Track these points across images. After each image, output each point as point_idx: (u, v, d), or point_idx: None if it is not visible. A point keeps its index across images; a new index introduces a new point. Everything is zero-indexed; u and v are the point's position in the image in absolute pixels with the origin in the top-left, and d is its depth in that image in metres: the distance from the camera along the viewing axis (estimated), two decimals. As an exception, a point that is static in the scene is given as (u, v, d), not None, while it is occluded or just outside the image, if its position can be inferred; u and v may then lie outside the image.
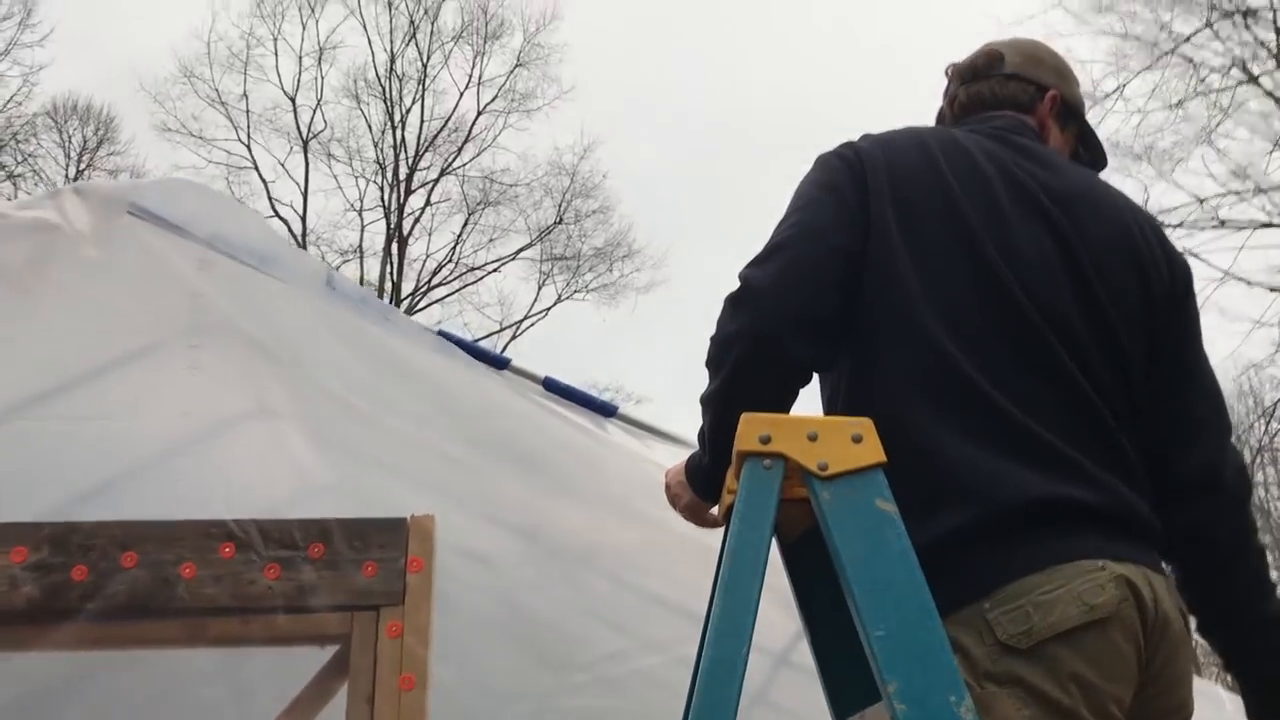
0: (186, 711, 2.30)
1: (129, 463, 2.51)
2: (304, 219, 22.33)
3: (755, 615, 1.28)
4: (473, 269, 23.04)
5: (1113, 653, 1.35)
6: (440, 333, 2.58)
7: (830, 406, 1.64)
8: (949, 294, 1.52)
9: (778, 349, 1.52)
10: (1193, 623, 1.59)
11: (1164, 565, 1.52)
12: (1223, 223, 14.80)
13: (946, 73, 1.91)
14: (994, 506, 1.40)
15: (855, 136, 1.69)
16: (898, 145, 1.65)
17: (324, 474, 2.53)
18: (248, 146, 22.31)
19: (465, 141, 23.14)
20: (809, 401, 1.66)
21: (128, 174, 21.04)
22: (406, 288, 22.22)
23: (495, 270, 23.07)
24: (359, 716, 2.04)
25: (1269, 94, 15.65)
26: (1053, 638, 1.32)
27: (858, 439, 1.36)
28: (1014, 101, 1.81)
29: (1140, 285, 1.62)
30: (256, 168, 22.31)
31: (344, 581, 2.12)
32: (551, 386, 2.62)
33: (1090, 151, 1.89)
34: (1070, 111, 1.85)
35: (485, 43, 23.30)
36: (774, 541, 1.67)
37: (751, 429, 1.36)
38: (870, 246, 1.55)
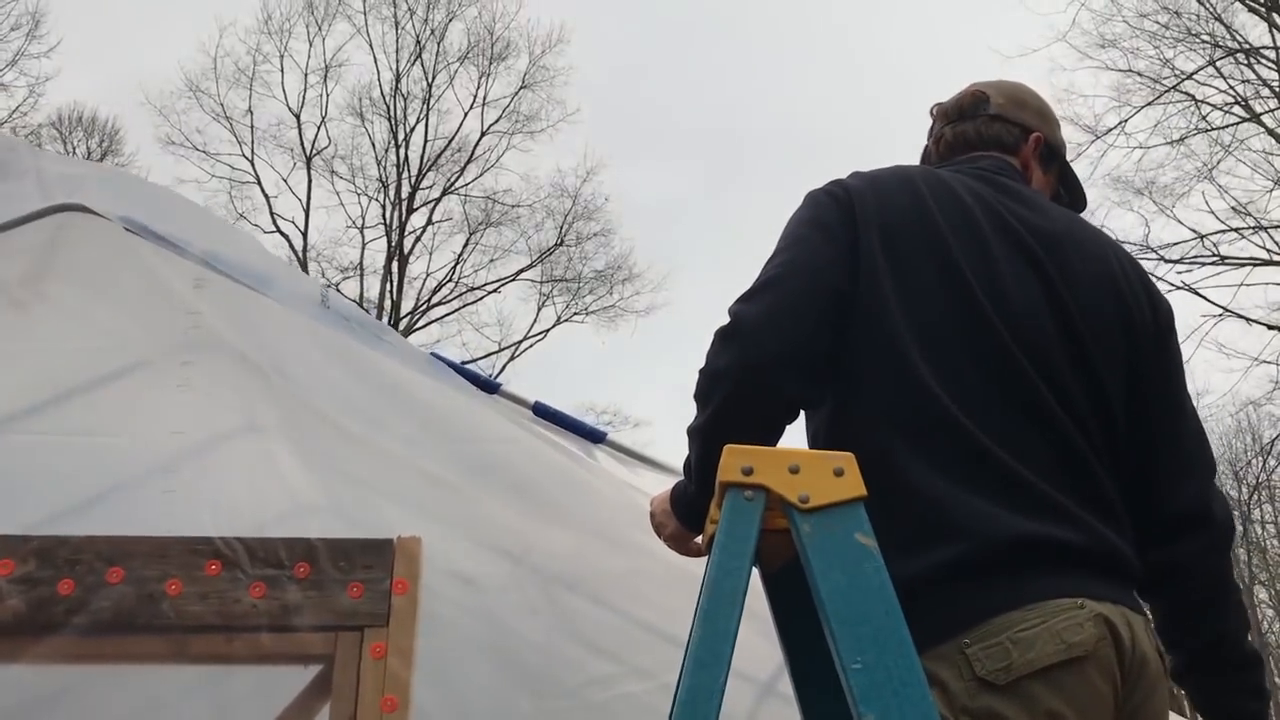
0: (168, 731, 2.29)
1: (118, 478, 2.51)
2: (305, 235, 22.41)
3: (734, 645, 1.29)
4: (473, 289, 23.09)
5: (1089, 691, 1.36)
6: (432, 354, 2.59)
7: (814, 442, 1.65)
8: (936, 333, 1.54)
9: (766, 385, 1.54)
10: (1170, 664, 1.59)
11: (1142, 605, 1.53)
12: (1223, 259, 14.88)
13: (931, 113, 1.94)
14: (975, 544, 1.41)
15: (844, 175, 1.71)
16: (886, 183, 1.67)
17: (312, 493, 2.53)
18: (251, 162, 22.44)
19: (468, 161, 23.25)
20: (794, 438, 1.67)
21: (131, 185, 21.01)
22: (406, 306, 22.26)
23: (495, 291, 23.13)
24: (341, 737, 2.04)
25: (1270, 132, 15.76)
26: (1030, 675, 1.33)
27: (839, 473, 1.37)
28: (998, 142, 1.83)
29: (1123, 325, 1.64)
30: (259, 183, 22.42)
31: (329, 601, 2.12)
32: (541, 412, 2.63)
33: (1070, 193, 1.92)
34: (1052, 153, 1.87)
35: (490, 64, 23.48)
36: (757, 571, 1.70)
37: (734, 460, 1.37)
38: (859, 285, 1.56)
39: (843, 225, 1.60)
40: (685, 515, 1.72)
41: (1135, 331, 1.65)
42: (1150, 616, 1.57)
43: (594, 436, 2.65)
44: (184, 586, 2.12)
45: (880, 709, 1.23)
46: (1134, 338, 1.64)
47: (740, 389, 1.54)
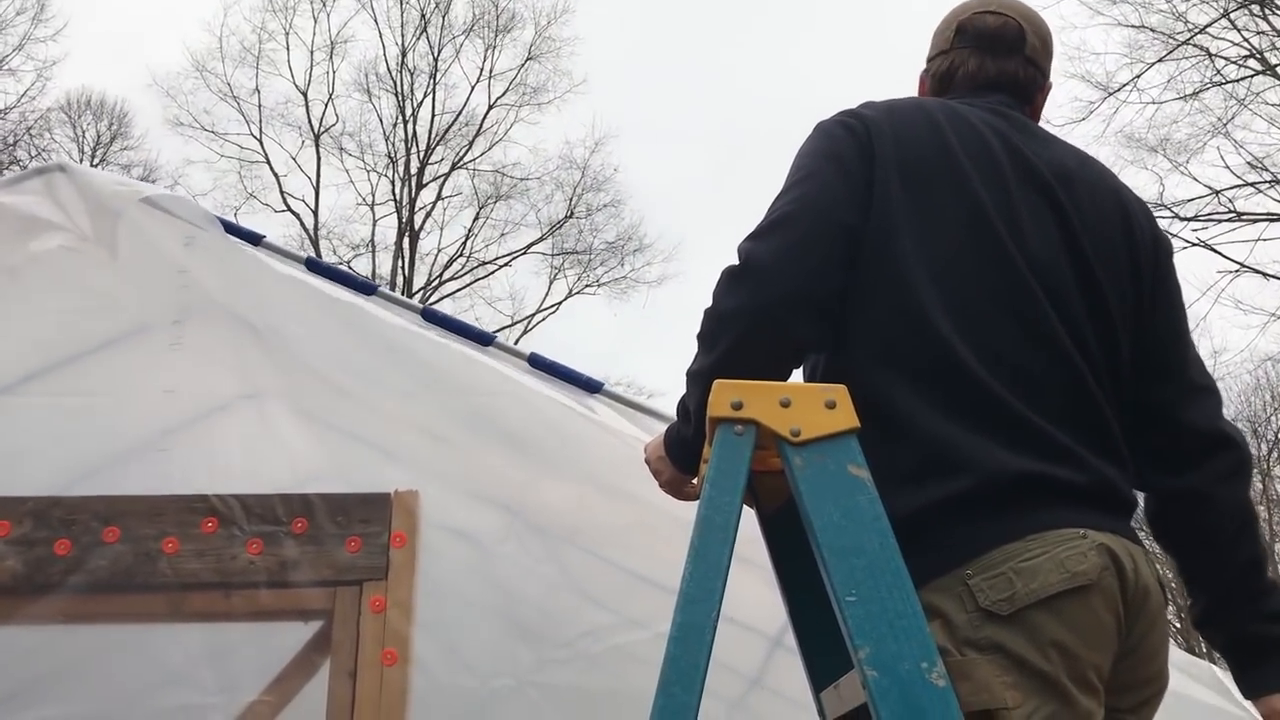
0: (169, 688, 2.29)
1: (115, 441, 2.51)
2: (316, 213, 22.37)
3: (725, 580, 1.27)
4: (484, 263, 23.04)
5: (1093, 621, 1.33)
6: (424, 310, 2.56)
7: (811, 380, 1.61)
8: (955, 269, 1.50)
9: (777, 328, 1.49)
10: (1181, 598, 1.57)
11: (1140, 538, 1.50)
12: (1239, 215, 14.72)
13: (960, 26, 1.80)
14: (977, 478, 1.38)
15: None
16: (903, 114, 1.61)
17: (308, 450, 2.52)
18: (259, 141, 22.38)
19: (476, 135, 23.13)
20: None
21: (141, 168, 21.10)
22: (418, 282, 22.24)
23: (506, 265, 23.07)
24: (341, 691, 2.04)
25: (1285, 84, 15.56)
26: (1034, 604, 1.31)
27: (831, 405, 1.34)
28: (1022, 89, 1.76)
29: (1130, 259, 1.62)
30: (269, 162, 22.35)
31: (327, 557, 2.12)
32: (536, 363, 2.60)
33: None
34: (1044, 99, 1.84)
35: (496, 36, 23.29)
36: (757, 516, 1.68)
37: (724, 395, 1.35)
38: (872, 219, 1.51)
39: (858, 159, 1.54)
40: (681, 459, 1.68)
41: (1141, 265, 1.62)
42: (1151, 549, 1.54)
43: (590, 386, 2.62)
44: (181, 544, 2.11)
45: (876, 641, 1.21)
46: (1139, 270, 1.62)
47: (751, 331, 1.48)
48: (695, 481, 1.71)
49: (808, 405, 1.33)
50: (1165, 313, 1.65)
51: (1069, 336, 1.49)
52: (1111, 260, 1.58)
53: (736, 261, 1.52)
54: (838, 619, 1.25)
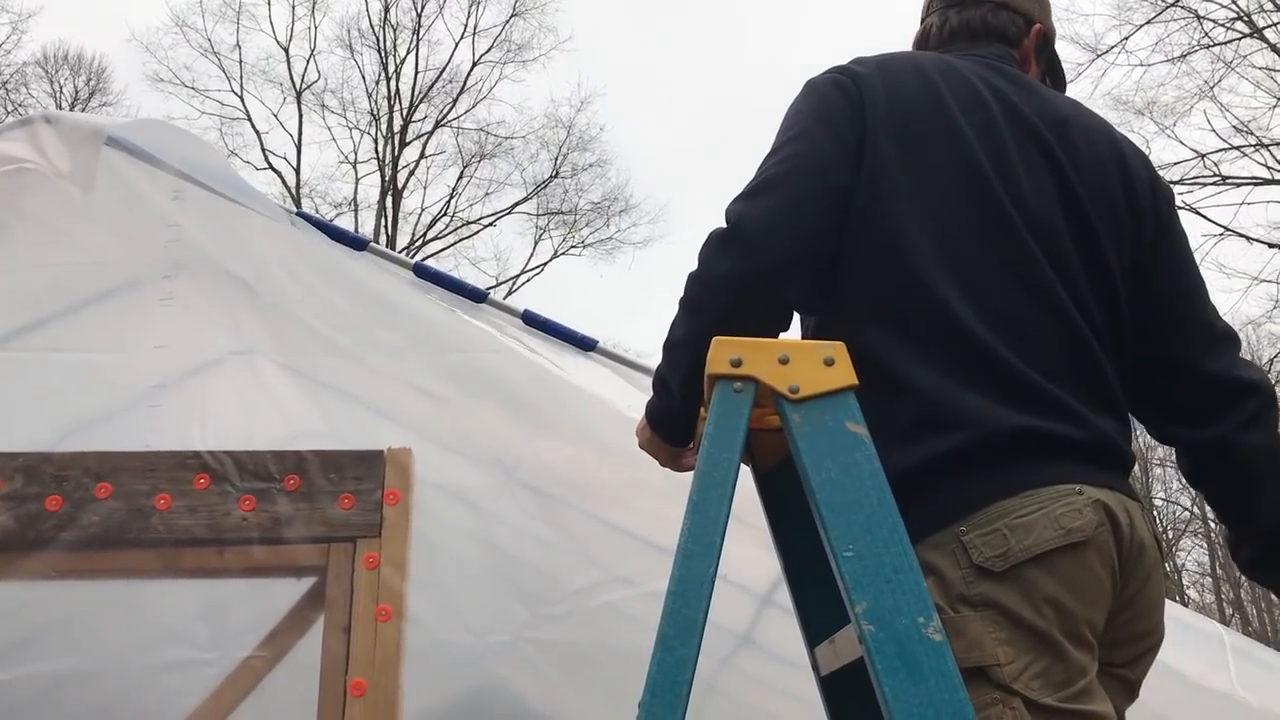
0: (163, 644, 2.30)
1: (106, 397, 2.49)
2: (298, 171, 22.19)
3: (724, 535, 1.27)
4: (468, 223, 22.91)
5: (1088, 577, 1.34)
6: (416, 266, 2.54)
7: (805, 338, 1.60)
8: (951, 225, 1.48)
9: (768, 292, 1.47)
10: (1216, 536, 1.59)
11: (1138, 493, 1.51)
12: (1224, 178, 14.73)
13: None
14: (973, 434, 1.38)
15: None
16: (896, 70, 1.59)
17: (301, 407, 2.51)
18: (240, 97, 22.13)
19: (460, 93, 22.94)
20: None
21: (118, 122, 20.78)
22: (401, 241, 22.10)
23: (491, 224, 22.95)
24: (336, 646, 2.04)
25: (1273, 47, 15.51)
26: (1029, 560, 1.31)
27: (829, 362, 1.34)
28: (1003, 33, 1.76)
29: (1130, 209, 1.60)
30: (250, 119, 22.13)
31: (320, 513, 2.12)
32: (531, 320, 2.59)
33: (1055, 83, 1.86)
34: (1045, 42, 1.82)
35: (481, -9, 23.03)
36: (753, 474, 1.68)
37: (723, 352, 1.35)
38: (864, 178, 1.49)
39: (850, 118, 1.52)
40: (671, 433, 1.65)
41: (1141, 215, 1.61)
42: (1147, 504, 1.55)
43: (585, 344, 2.61)
44: (173, 500, 2.11)
45: (873, 596, 1.22)
46: (1140, 219, 1.60)
47: (741, 295, 1.46)
48: (691, 447, 1.70)
49: (806, 362, 1.33)
50: (1172, 262, 1.64)
51: (1066, 292, 1.48)
52: (1110, 211, 1.57)
53: (724, 224, 1.49)
54: (835, 574, 1.26)
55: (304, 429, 2.48)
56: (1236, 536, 1.65)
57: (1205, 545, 27.92)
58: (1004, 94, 1.60)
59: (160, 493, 2.11)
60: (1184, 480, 1.74)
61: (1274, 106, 15.64)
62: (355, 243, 2.54)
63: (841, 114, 1.53)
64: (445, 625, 2.34)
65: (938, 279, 1.45)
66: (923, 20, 1.86)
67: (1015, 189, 1.51)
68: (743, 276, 1.46)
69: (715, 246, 1.49)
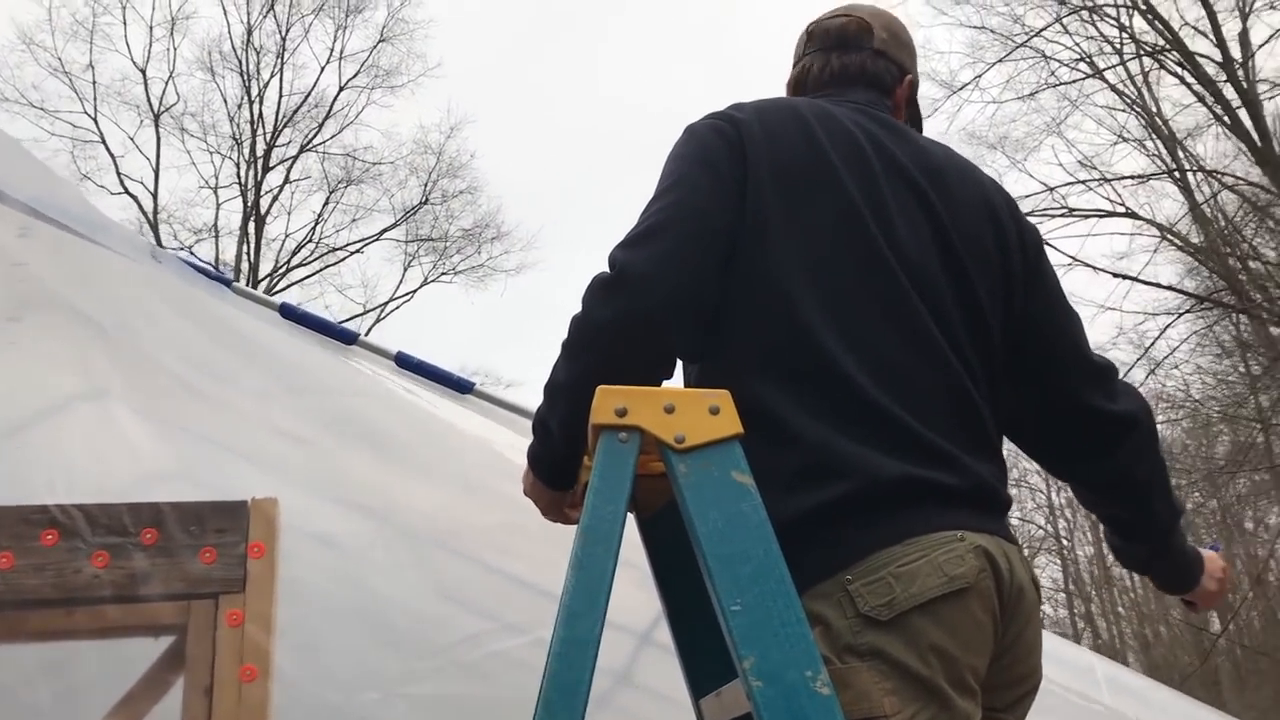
0: (5, 713, 2.13)
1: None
2: (155, 196, 21.32)
3: (609, 593, 1.24)
4: (334, 249, 22.38)
5: (971, 623, 1.35)
6: (282, 307, 2.44)
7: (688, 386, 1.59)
8: (830, 271, 1.49)
9: (653, 336, 1.46)
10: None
11: (1015, 536, 1.54)
12: (1071, 211, 15.44)
13: (809, 32, 1.86)
14: (856, 483, 1.38)
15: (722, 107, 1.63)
16: (774, 116, 1.60)
17: (160, 456, 2.38)
18: (94, 120, 21.21)
19: (326, 118, 22.42)
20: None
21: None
22: (265, 268, 21.48)
23: (358, 251, 22.45)
24: (197, 710, 1.93)
25: (1112, 88, 16.41)
26: (913, 609, 1.32)
27: (715, 411, 1.33)
28: (878, 81, 1.79)
29: (1000, 251, 1.64)
30: (104, 142, 21.20)
31: (179, 569, 2.00)
32: (404, 363, 2.52)
33: (915, 127, 1.90)
34: (913, 93, 1.86)
35: (347, 16, 22.57)
36: (633, 520, 1.65)
37: (607, 401, 1.32)
38: (745, 223, 1.49)
39: (730, 162, 1.52)
40: (554, 478, 1.61)
41: (1010, 257, 1.65)
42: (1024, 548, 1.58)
43: (461, 387, 2.55)
44: (16, 559, 1.97)
45: (760, 651, 1.20)
46: (1009, 263, 1.64)
47: (625, 341, 1.44)
48: (577, 489, 1.66)
49: (692, 411, 1.32)
50: (1045, 303, 1.69)
51: (944, 339, 1.51)
52: (983, 256, 1.60)
53: (608, 270, 1.47)
54: (721, 627, 1.24)
55: (161, 477, 2.34)
56: (1126, 546, 1.78)
57: (1059, 562, 29.18)
58: (880, 141, 1.62)
59: (3, 550, 1.97)
60: (1083, 506, 1.92)
61: (1114, 144, 16.54)
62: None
63: (721, 159, 1.53)
64: (313, 682, 2.23)
65: (819, 326, 1.45)
66: (797, 62, 1.87)
67: (892, 236, 1.53)
68: (625, 321, 1.44)
69: (598, 291, 1.47)
